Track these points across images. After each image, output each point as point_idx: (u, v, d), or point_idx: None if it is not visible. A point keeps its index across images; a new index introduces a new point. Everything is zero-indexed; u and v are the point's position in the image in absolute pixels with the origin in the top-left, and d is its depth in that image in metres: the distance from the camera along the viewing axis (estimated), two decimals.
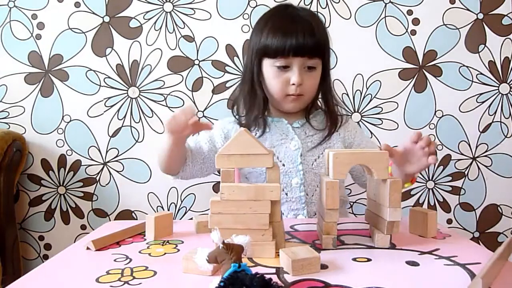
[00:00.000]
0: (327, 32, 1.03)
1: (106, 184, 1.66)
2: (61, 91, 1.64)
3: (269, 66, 1.00)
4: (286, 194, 1.03)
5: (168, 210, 1.67)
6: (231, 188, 0.67)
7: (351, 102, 1.64)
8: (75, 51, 1.63)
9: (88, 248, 0.74)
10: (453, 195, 1.68)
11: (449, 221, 1.68)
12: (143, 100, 1.64)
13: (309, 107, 1.08)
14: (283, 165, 1.03)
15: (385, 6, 1.62)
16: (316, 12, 1.09)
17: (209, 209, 0.68)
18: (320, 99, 1.11)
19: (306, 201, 1.03)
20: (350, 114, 1.28)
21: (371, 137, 1.64)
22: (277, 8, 1.07)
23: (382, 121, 1.64)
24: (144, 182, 1.66)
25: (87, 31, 1.63)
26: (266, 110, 1.07)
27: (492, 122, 1.66)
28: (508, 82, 1.65)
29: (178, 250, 0.73)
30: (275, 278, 0.58)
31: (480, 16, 1.63)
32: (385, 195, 0.70)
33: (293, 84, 0.98)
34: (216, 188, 1.64)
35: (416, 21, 1.63)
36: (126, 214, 1.66)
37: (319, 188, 1.02)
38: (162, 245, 0.75)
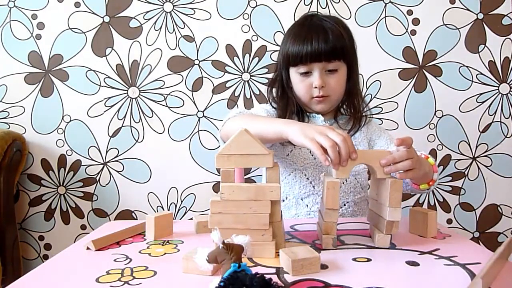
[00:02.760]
0: (348, 35, 1.07)
1: (106, 184, 1.66)
2: (61, 91, 1.64)
3: (294, 73, 1.08)
4: (313, 187, 1.06)
5: (168, 210, 1.67)
6: (231, 188, 0.67)
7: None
8: (75, 51, 1.63)
9: (88, 248, 0.74)
10: (453, 195, 1.68)
11: (449, 221, 1.68)
12: (143, 100, 1.64)
13: (339, 108, 1.14)
14: (314, 158, 1.07)
15: (385, 6, 1.62)
16: (340, 19, 1.11)
17: (209, 209, 0.68)
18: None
19: None
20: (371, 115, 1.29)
21: None
22: (301, 18, 1.13)
23: (382, 121, 1.64)
24: (144, 182, 1.66)
25: (87, 31, 1.63)
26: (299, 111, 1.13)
27: (492, 122, 1.66)
28: (508, 82, 1.65)
29: (178, 250, 0.73)
30: (275, 278, 0.58)
31: (480, 16, 1.63)
32: (385, 195, 0.70)
33: (316, 87, 1.04)
34: (216, 188, 1.64)
35: (416, 21, 1.63)
36: (126, 214, 1.66)
37: (344, 186, 1.06)
38: (162, 245, 0.75)
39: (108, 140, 1.65)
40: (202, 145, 1.65)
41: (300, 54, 1.03)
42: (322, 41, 1.01)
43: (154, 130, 1.65)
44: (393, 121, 1.64)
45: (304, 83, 1.06)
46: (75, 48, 1.63)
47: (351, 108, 1.13)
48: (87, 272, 0.63)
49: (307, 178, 1.06)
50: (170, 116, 1.64)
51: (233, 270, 0.50)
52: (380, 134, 1.14)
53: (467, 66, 1.64)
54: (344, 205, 1.07)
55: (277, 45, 1.61)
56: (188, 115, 1.64)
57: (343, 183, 1.07)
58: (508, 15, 1.63)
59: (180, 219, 1.65)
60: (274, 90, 1.15)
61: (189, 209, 1.67)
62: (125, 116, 1.65)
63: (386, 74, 1.64)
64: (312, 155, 1.07)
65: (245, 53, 1.62)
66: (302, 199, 1.06)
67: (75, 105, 1.64)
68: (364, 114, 1.14)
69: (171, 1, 1.62)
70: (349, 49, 1.06)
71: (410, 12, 1.63)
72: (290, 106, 1.10)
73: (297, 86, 1.08)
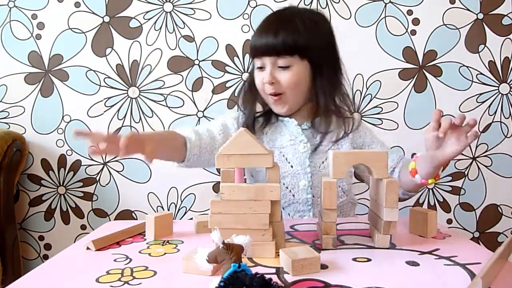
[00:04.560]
0: (314, 31, 0.99)
1: (106, 184, 1.66)
2: (61, 91, 1.64)
3: (255, 67, 1.04)
4: (293, 195, 1.02)
5: (168, 210, 1.67)
6: (231, 188, 0.67)
7: (351, 102, 1.64)
8: (75, 51, 1.63)
9: (88, 248, 0.74)
10: (453, 195, 1.68)
11: (449, 221, 1.68)
12: (143, 100, 1.64)
13: (312, 109, 1.06)
14: (291, 166, 1.03)
15: (385, 6, 1.62)
16: (313, 13, 1.05)
17: (209, 209, 0.68)
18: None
19: (313, 203, 1.03)
20: (357, 116, 1.24)
21: None
22: (274, 11, 1.09)
23: (382, 121, 1.64)
24: (144, 182, 1.66)
25: (87, 31, 1.63)
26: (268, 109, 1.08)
27: (492, 122, 1.66)
28: (508, 82, 1.65)
29: (178, 250, 0.73)
30: (275, 278, 0.58)
31: (480, 16, 1.63)
32: (382, 195, 0.70)
33: (266, 82, 0.99)
34: (216, 188, 1.64)
35: (416, 21, 1.63)
36: (126, 214, 1.66)
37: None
38: (162, 245, 0.75)
39: None
40: None
41: (254, 47, 1.00)
42: (272, 34, 0.96)
43: (154, 130, 1.64)
44: (393, 121, 1.64)
45: (258, 78, 1.02)
46: (75, 48, 1.63)
47: (329, 109, 1.04)
48: (87, 272, 0.63)
49: (286, 187, 1.02)
50: (170, 116, 1.64)
51: (233, 270, 0.50)
52: (366, 135, 1.09)
53: (467, 66, 1.64)
54: (319, 197, 1.04)
55: None
56: (188, 115, 1.64)
57: None
58: (508, 15, 1.63)
59: (180, 219, 1.65)
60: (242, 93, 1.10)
61: (189, 209, 1.67)
62: (125, 116, 1.65)
63: (386, 74, 1.64)
64: (289, 163, 1.02)
65: (245, 53, 1.62)
66: (283, 209, 1.03)
67: (75, 105, 1.64)
68: (349, 116, 1.08)
69: (171, 1, 1.62)
70: (310, 45, 0.98)
71: (410, 12, 1.63)
72: (253, 108, 1.06)
73: (255, 81, 1.04)
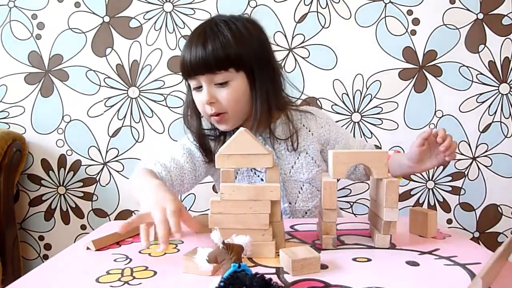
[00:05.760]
0: (245, 39, 0.92)
1: (106, 184, 1.66)
2: (61, 91, 1.64)
3: (191, 87, 0.96)
4: None
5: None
6: (231, 188, 0.67)
7: (351, 102, 1.64)
8: (75, 51, 1.63)
9: (88, 248, 0.74)
10: (453, 195, 1.68)
11: (449, 221, 1.68)
12: (143, 100, 1.64)
13: (256, 117, 0.95)
14: (262, 179, 0.99)
15: (385, 6, 1.62)
16: (238, 20, 0.95)
17: (209, 209, 0.68)
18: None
19: (291, 210, 1.02)
20: (307, 106, 1.13)
21: (371, 137, 1.64)
22: (200, 24, 0.97)
23: (382, 121, 1.64)
24: None
25: (87, 31, 1.63)
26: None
27: (492, 122, 1.66)
28: (508, 82, 1.65)
29: (178, 250, 0.73)
30: (275, 278, 0.58)
31: (480, 16, 1.63)
32: (382, 195, 0.70)
33: (205, 103, 0.92)
34: (216, 188, 1.64)
35: (416, 21, 1.63)
36: (126, 214, 1.66)
37: (301, 194, 1.01)
38: None
39: (108, 140, 1.65)
40: None
41: (184, 66, 0.91)
42: (201, 50, 0.88)
43: (154, 130, 1.65)
44: (393, 121, 1.64)
45: (198, 99, 0.94)
46: (75, 48, 1.63)
47: (274, 113, 0.98)
48: (87, 272, 0.63)
49: None
50: (170, 116, 1.64)
51: (233, 270, 0.50)
52: (330, 129, 1.04)
53: (467, 66, 1.64)
54: (306, 213, 1.02)
55: (277, 45, 1.61)
56: None
57: (299, 192, 1.01)
58: (508, 15, 1.63)
59: None
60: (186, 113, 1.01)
61: (189, 209, 1.67)
62: (125, 116, 1.65)
63: (386, 74, 1.64)
64: (259, 176, 0.99)
65: None
66: None
67: (75, 105, 1.64)
68: (302, 110, 1.03)
69: (171, 1, 1.62)
70: (243, 54, 0.90)
71: (410, 12, 1.63)
72: (200, 126, 0.99)
73: (195, 102, 0.96)
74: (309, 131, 1.02)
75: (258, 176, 1.00)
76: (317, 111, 1.08)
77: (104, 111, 1.64)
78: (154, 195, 0.73)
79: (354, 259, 0.65)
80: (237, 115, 0.95)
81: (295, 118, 1.02)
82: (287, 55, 1.63)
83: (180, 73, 0.98)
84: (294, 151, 1.00)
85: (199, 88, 0.93)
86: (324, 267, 0.62)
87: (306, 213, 1.03)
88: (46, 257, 1.68)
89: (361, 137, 1.64)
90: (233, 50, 0.89)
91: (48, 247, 1.68)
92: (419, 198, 1.68)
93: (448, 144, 0.87)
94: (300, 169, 1.01)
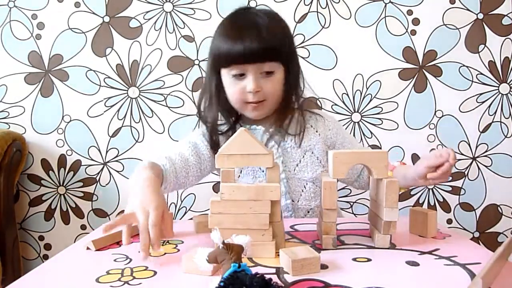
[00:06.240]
0: (285, 33, 0.98)
1: (106, 184, 1.66)
2: (61, 91, 1.64)
3: (226, 75, 0.97)
4: None
5: (168, 210, 1.66)
6: (231, 188, 0.67)
7: (351, 102, 1.64)
8: (75, 51, 1.63)
9: (88, 248, 0.74)
10: (453, 195, 1.68)
11: (449, 221, 1.68)
12: (143, 100, 1.64)
13: (281, 111, 1.01)
14: (265, 174, 1.01)
15: (385, 6, 1.62)
16: (276, 14, 1.01)
17: (209, 209, 0.68)
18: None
19: (293, 207, 1.02)
20: (319, 110, 1.17)
21: (371, 137, 1.64)
22: (233, 13, 1.01)
23: (382, 121, 1.64)
24: None
25: (87, 31, 1.63)
26: (236, 118, 1.04)
27: (492, 122, 1.66)
28: (508, 82, 1.65)
29: (178, 250, 0.73)
30: (275, 278, 0.58)
31: (480, 16, 1.62)
32: (382, 195, 0.70)
33: (250, 91, 0.94)
34: (216, 188, 1.64)
35: (416, 21, 1.63)
36: None
37: (304, 193, 1.01)
38: (162, 245, 0.75)
39: (108, 140, 1.65)
40: None
41: (232, 54, 0.92)
42: (257, 39, 0.90)
43: (154, 130, 1.65)
44: (393, 121, 1.64)
45: (238, 86, 0.95)
46: (75, 48, 1.63)
47: (296, 110, 1.02)
48: (87, 272, 0.63)
49: None
50: (170, 116, 1.64)
51: (233, 270, 0.50)
52: (337, 134, 1.06)
53: (467, 66, 1.64)
54: (308, 212, 1.03)
55: None
56: (188, 115, 1.64)
57: (302, 191, 1.01)
58: (508, 15, 1.63)
59: (180, 219, 1.65)
60: (202, 104, 1.03)
61: (189, 209, 1.67)
62: (125, 116, 1.65)
63: (386, 74, 1.64)
64: (263, 171, 0.99)
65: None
66: None
67: (75, 105, 1.64)
68: (312, 111, 1.06)
69: (171, 1, 1.62)
70: (286, 48, 0.96)
71: (410, 12, 1.63)
72: (216, 119, 1.01)
73: (229, 90, 0.97)
74: (316, 131, 1.05)
75: (263, 171, 1.00)
76: (326, 114, 1.11)
77: (104, 111, 1.64)
78: (140, 194, 0.74)
79: (354, 259, 0.65)
80: (272, 105, 0.99)
81: (306, 118, 1.05)
82: None
83: (212, 62, 0.99)
84: (299, 148, 1.02)
85: (240, 75, 0.95)
86: (324, 267, 0.62)
87: (308, 212, 1.04)
88: (46, 257, 1.68)
89: (361, 137, 1.64)
90: (282, 42, 0.95)
91: (48, 247, 1.68)
92: (419, 198, 1.68)
93: (446, 169, 0.85)
94: (305, 167, 1.01)
